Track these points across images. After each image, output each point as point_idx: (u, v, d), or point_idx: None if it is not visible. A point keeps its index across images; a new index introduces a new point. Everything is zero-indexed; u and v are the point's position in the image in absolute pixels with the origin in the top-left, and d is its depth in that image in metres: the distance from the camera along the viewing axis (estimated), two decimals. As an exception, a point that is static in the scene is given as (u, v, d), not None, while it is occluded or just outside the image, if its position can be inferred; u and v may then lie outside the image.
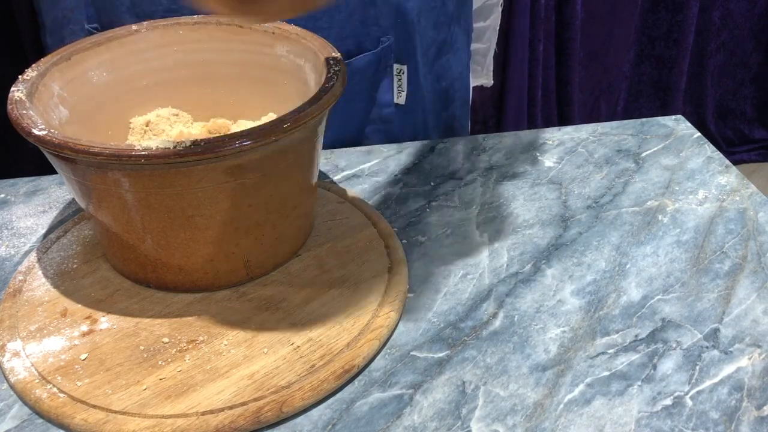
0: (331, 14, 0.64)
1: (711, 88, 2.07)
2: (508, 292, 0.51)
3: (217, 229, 0.46)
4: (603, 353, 0.46)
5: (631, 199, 0.60)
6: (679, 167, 0.64)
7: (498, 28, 0.88)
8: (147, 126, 0.55)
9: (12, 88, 0.47)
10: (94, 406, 0.41)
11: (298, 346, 0.45)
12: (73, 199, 0.59)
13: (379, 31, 0.67)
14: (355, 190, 0.61)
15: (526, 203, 0.60)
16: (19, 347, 0.45)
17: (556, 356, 0.45)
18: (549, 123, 1.92)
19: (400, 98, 0.71)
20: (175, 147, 0.41)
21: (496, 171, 0.64)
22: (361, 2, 0.65)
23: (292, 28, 0.54)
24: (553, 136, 0.69)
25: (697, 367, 0.45)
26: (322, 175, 0.63)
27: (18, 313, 0.48)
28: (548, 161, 0.65)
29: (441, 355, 0.46)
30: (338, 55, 0.51)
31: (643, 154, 0.66)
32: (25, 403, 0.42)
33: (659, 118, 0.72)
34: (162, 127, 0.56)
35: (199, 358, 0.44)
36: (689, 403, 0.42)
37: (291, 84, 0.55)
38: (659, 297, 0.50)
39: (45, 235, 0.56)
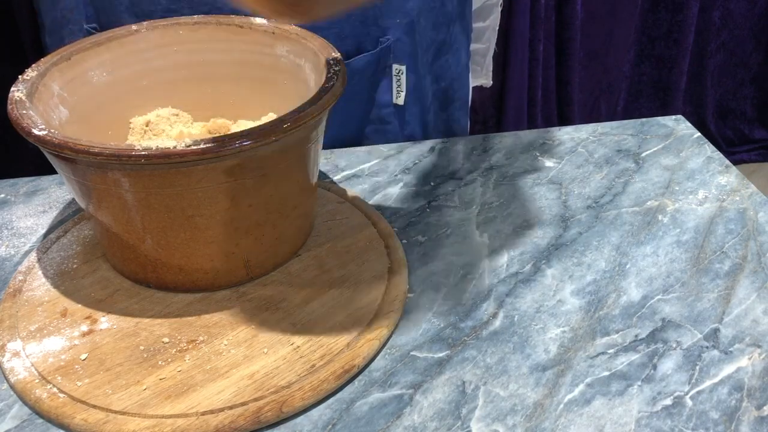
0: (330, 14, 0.64)
1: (711, 88, 2.07)
2: (508, 292, 0.51)
3: (217, 229, 0.46)
4: (603, 353, 0.46)
5: (631, 199, 0.60)
6: (679, 167, 0.64)
7: (497, 28, 0.87)
8: (147, 126, 0.55)
9: (12, 88, 0.47)
10: (94, 406, 0.41)
11: (298, 346, 0.45)
12: (73, 199, 0.59)
13: (378, 31, 0.67)
14: (355, 190, 0.61)
15: (526, 203, 0.60)
16: (19, 347, 0.45)
17: (556, 356, 0.45)
18: (549, 123, 1.92)
19: (399, 99, 0.71)
20: (175, 147, 0.41)
21: (496, 171, 0.64)
22: (361, 2, 0.65)
23: (292, 28, 0.54)
24: (553, 136, 0.69)
25: (697, 367, 0.45)
26: (322, 175, 0.63)
27: (18, 313, 0.48)
28: (548, 161, 0.65)
29: (441, 355, 0.46)
30: (338, 55, 0.51)
31: (643, 154, 0.66)
32: (25, 403, 0.42)
33: (659, 118, 0.72)
34: (162, 127, 0.56)
35: (199, 358, 0.44)
36: (689, 403, 0.42)
37: (291, 84, 0.55)
38: (659, 297, 0.50)
39: (45, 235, 0.56)
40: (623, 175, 0.63)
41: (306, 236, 0.54)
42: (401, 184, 0.62)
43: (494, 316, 0.49)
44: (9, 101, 0.46)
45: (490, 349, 0.46)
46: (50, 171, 0.52)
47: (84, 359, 0.44)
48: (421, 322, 0.48)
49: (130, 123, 0.56)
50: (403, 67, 0.70)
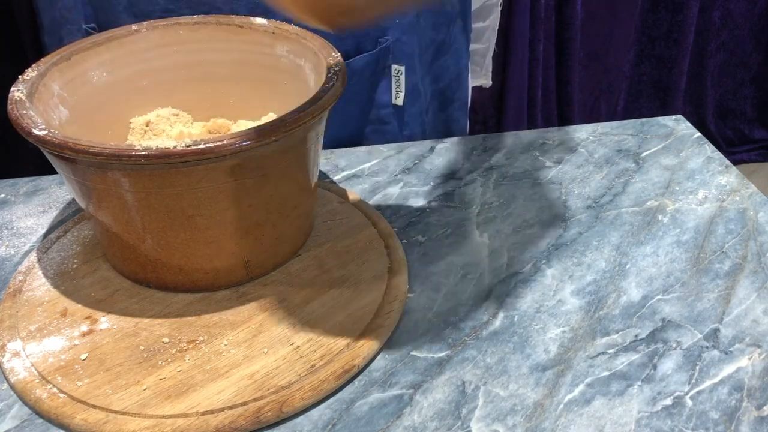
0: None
1: (711, 88, 2.07)
2: (508, 292, 0.51)
3: (217, 229, 0.46)
4: (603, 353, 0.46)
5: (631, 199, 0.60)
6: (679, 167, 0.64)
7: (497, 28, 0.87)
8: (147, 126, 0.55)
9: (12, 88, 0.47)
10: (94, 406, 0.41)
11: (298, 346, 0.45)
12: (73, 199, 0.59)
13: (377, 31, 0.67)
14: (355, 190, 0.61)
15: (526, 203, 0.60)
16: (19, 347, 0.45)
17: (556, 356, 0.45)
18: (549, 123, 1.92)
19: (399, 99, 0.71)
20: (175, 147, 0.41)
21: (496, 171, 0.64)
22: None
23: (292, 28, 0.54)
24: (553, 136, 0.69)
25: (697, 367, 0.45)
26: (322, 175, 0.63)
27: (18, 313, 0.48)
28: (548, 161, 0.65)
29: (441, 355, 0.46)
30: (338, 55, 0.51)
31: (643, 154, 0.66)
32: (25, 403, 0.42)
33: (659, 118, 0.72)
34: (162, 127, 0.56)
35: (199, 358, 0.44)
36: (689, 403, 0.42)
37: (291, 84, 0.55)
38: (659, 297, 0.50)
39: (45, 235, 0.56)
40: (623, 175, 0.63)
41: (306, 236, 0.54)
42: (401, 184, 0.62)
43: (494, 316, 0.49)
44: (9, 101, 0.46)
45: (490, 349, 0.46)
46: (50, 171, 0.52)
47: (84, 359, 0.44)
48: (421, 322, 0.48)
49: (130, 123, 0.56)
50: (403, 68, 0.70)
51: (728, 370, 0.45)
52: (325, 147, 0.55)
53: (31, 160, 0.74)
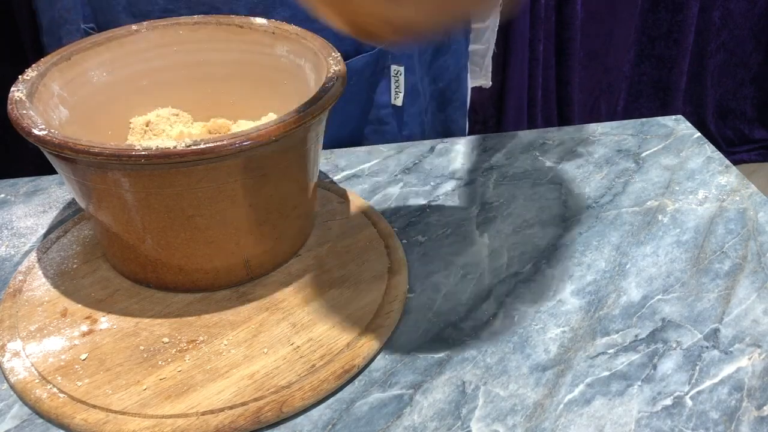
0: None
1: (711, 88, 2.07)
2: (508, 292, 0.51)
3: (217, 229, 0.46)
4: (603, 353, 0.46)
5: (631, 199, 0.60)
6: (679, 167, 0.64)
7: (497, 29, 0.87)
8: (147, 126, 0.55)
9: (12, 88, 0.47)
10: (94, 406, 0.41)
11: (298, 346, 0.45)
12: (73, 199, 0.59)
13: (378, 31, 0.67)
14: (355, 190, 0.61)
15: (526, 203, 0.60)
16: (19, 347, 0.45)
17: (556, 356, 0.45)
18: (549, 123, 1.92)
19: (398, 99, 0.71)
20: (175, 147, 0.41)
21: (496, 171, 0.64)
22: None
23: (292, 28, 0.54)
24: (553, 136, 0.69)
25: (697, 367, 0.45)
26: (322, 175, 0.63)
27: (18, 313, 0.48)
28: (548, 161, 0.65)
29: (441, 355, 0.46)
30: (338, 55, 0.51)
31: (643, 154, 0.66)
32: (25, 403, 0.42)
33: (659, 118, 0.72)
34: (162, 127, 0.56)
35: (199, 358, 0.44)
36: (689, 403, 0.42)
37: (291, 84, 0.55)
38: (659, 297, 0.50)
39: (45, 235, 0.56)
40: (623, 175, 0.63)
41: (306, 236, 0.54)
42: (401, 184, 0.62)
43: (494, 316, 0.49)
44: (9, 101, 0.46)
45: (490, 349, 0.46)
46: (50, 171, 0.52)
47: (84, 359, 0.44)
48: (421, 322, 0.48)
49: (130, 123, 0.56)
50: (402, 68, 0.70)
51: (728, 370, 0.45)
52: (325, 147, 0.55)
53: (31, 160, 0.74)
